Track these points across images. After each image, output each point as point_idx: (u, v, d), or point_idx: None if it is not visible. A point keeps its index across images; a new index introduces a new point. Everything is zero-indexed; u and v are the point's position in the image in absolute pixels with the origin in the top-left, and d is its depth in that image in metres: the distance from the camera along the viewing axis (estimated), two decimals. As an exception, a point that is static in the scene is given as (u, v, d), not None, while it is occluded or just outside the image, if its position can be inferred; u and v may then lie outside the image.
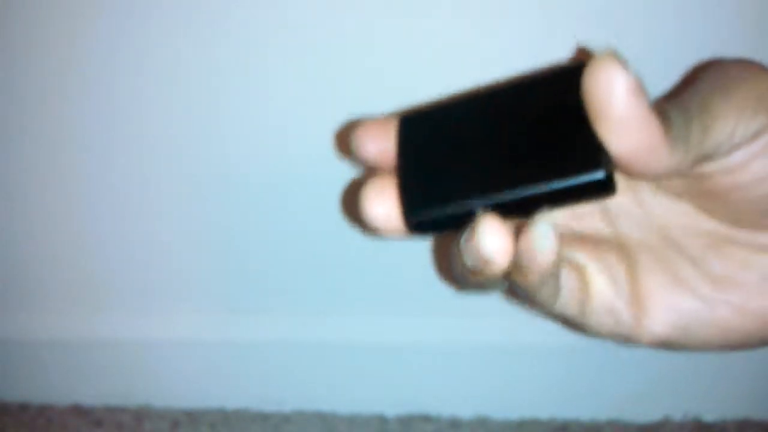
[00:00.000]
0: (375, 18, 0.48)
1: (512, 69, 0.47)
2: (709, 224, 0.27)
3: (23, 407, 0.64)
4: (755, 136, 0.25)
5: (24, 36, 0.50)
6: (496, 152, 0.24)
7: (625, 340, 0.28)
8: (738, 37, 0.47)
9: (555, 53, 0.47)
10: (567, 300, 0.27)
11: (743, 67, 0.26)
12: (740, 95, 0.25)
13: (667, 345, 0.28)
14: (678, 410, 0.61)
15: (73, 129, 0.54)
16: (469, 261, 0.24)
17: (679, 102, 0.26)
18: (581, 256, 0.28)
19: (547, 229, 0.24)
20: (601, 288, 0.27)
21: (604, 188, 0.23)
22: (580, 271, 0.27)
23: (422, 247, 0.57)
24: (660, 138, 0.24)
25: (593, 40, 0.46)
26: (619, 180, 0.27)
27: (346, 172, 0.53)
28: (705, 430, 0.60)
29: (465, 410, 0.62)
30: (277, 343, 0.61)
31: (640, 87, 0.23)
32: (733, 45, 0.46)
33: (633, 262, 0.28)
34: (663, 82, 0.49)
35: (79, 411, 0.64)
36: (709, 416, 0.60)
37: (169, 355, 0.62)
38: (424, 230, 0.25)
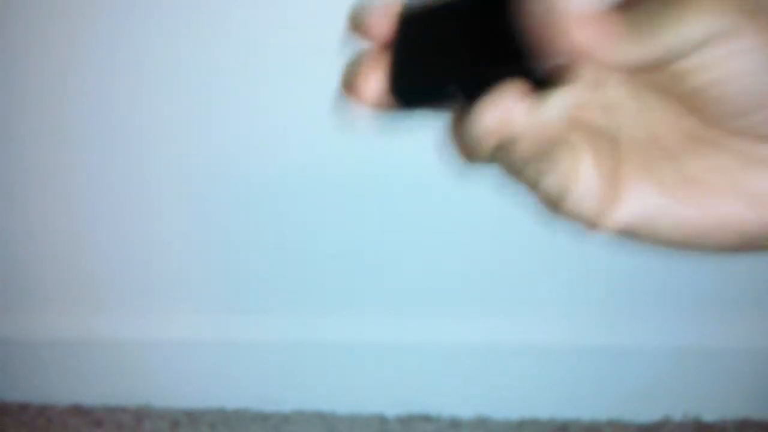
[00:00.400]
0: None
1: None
2: (690, 123, 0.29)
3: (23, 407, 0.64)
4: (729, 35, 0.26)
5: (24, 36, 0.50)
6: (470, 44, 0.29)
7: (589, 224, 0.30)
8: None
9: None
10: (553, 179, 0.29)
11: None
12: None
13: (627, 234, 0.29)
14: (678, 410, 0.61)
15: (73, 129, 0.54)
16: (466, 139, 0.28)
17: None
18: (576, 140, 0.30)
19: (559, 101, 0.27)
20: (585, 171, 0.29)
21: (539, 73, 0.27)
22: (570, 152, 0.29)
23: (422, 247, 0.57)
24: (613, 30, 0.26)
25: None
26: (610, 73, 0.29)
27: (346, 174, 0.53)
28: (705, 430, 0.60)
29: (465, 410, 0.62)
30: (277, 343, 0.61)
31: None
32: None
33: (617, 152, 0.30)
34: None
35: (79, 411, 0.64)
36: (709, 416, 0.60)
37: (169, 355, 0.62)
38: (405, 100, 0.30)
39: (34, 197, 0.57)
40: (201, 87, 0.51)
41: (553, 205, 0.30)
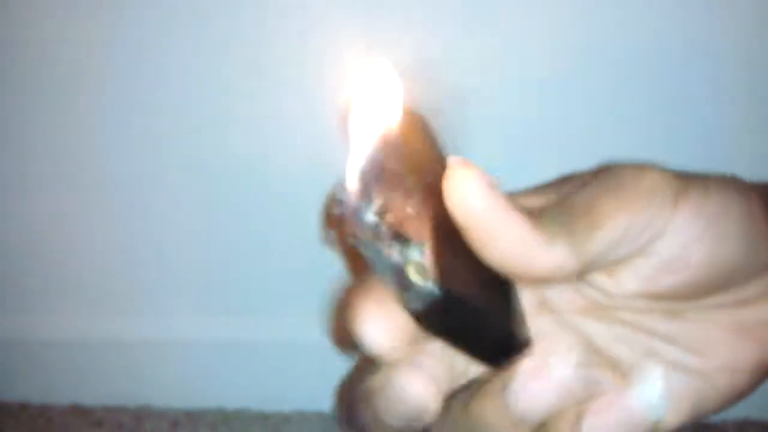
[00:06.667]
0: (375, 19, 0.48)
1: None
2: (660, 306, 0.26)
3: (23, 407, 0.64)
4: (653, 226, 0.24)
5: (24, 35, 0.50)
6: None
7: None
8: (738, 36, 0.47)
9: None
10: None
11: (637, 167, 0.26)
12: (631, 195, 0.24)
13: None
14: (678, 410, 0.61)
15: (71, 129, 0.54)
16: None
17: (564, 199, 0.25)
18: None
19: None
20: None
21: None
22: None
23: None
24: (529, 233, 0.23)
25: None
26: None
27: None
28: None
29: (465, 410, 0.62)
30: (277, 343, 0.61)
31: (495, 187, 0.23)
32: (733, 44, 0.46)
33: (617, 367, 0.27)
34: (660, 80, 0.49)
35: (79, 411, 0.64)
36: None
37: (169, 355, 0.62)
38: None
39: (33, 197, 0.57)
40: (201, 88, 0.51)
41: None
